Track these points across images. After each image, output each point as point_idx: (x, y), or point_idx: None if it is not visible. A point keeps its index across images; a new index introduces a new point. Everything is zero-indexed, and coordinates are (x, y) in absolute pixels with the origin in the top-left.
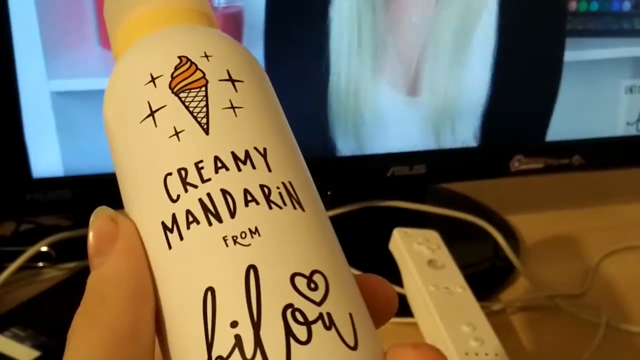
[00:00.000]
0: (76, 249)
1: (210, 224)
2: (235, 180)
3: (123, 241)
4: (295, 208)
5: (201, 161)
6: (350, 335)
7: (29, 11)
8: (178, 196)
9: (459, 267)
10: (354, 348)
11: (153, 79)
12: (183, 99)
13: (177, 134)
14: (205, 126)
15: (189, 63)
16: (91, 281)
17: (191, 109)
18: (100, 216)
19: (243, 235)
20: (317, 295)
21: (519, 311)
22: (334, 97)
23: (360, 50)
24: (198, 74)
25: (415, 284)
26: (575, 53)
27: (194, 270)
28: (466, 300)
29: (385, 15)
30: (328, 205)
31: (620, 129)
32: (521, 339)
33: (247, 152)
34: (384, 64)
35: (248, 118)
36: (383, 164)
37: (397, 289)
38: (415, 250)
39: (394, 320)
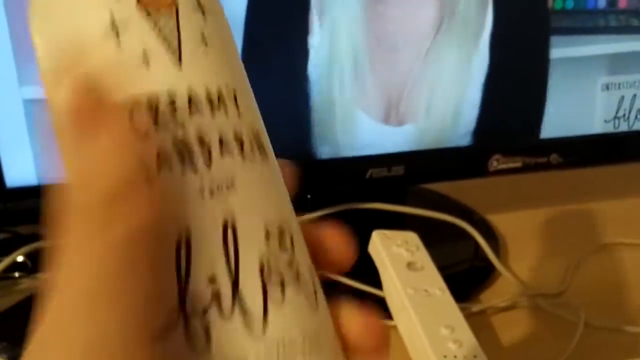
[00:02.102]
0: None
1: (184, 173)
2: (210, 126)
3: None
4: (263, 159)
5: (174, 100)
6: (313, 296)
7: None
8: (145, 133)
9: (439, 267)
10: (316, 308)
11: None
12: (153, 18)
13: (146, 61)
14: (177, 56)
15: None
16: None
17: (162, 33)
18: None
19: (219, 188)
20: (287, 255)
21: (499, 311)
22: (313, 100)
23: (342, 78)
24: None
25: (395, 287)
26: (552, 51)
27: (170, 216)
28: (445, 303)
29: (374, 46)
30: (307, 209)
31: (597, 126)
32: (501, 340)
33: (219, 92)
34: (365, 96)
35: (217, 54)
36: (361, 166)
37: (377, 291)
38: (394, 253)
39: None
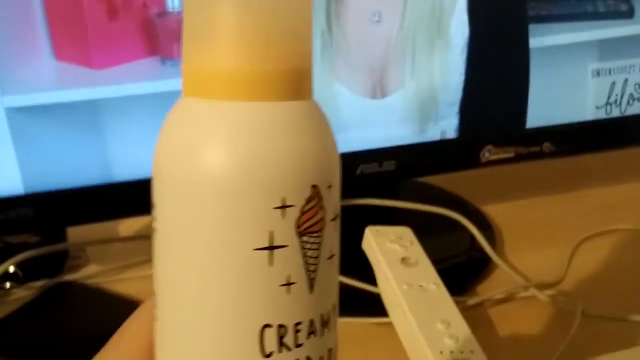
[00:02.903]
0: (44, 267)
1: None
2: (317, 348)
3: None
4: None
5: (300, 323)
6: None
7: None
8: (271, 353)
9: (434, 261)
10: None
11: (284, 207)
12: (304, 244)
13: (289, 285)
14: (312, 282)
15: (317, 198)
16: None
17: (306, 260)
18: None
19: None
20: None
21: (496, 304)
22: None
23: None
24: (320, 215)
25: (389, 284)
26: (541, 39)
27: None
28: (440, 297)
29: (342, 18)
30: None
31: (589, 113)
32: (498, 332)
33: (329, 312)
34: (343, 70)
35: (336, 266)
36: (351, 162)
37: (372, 288)
38: (388, 249)
39: (369, 320)
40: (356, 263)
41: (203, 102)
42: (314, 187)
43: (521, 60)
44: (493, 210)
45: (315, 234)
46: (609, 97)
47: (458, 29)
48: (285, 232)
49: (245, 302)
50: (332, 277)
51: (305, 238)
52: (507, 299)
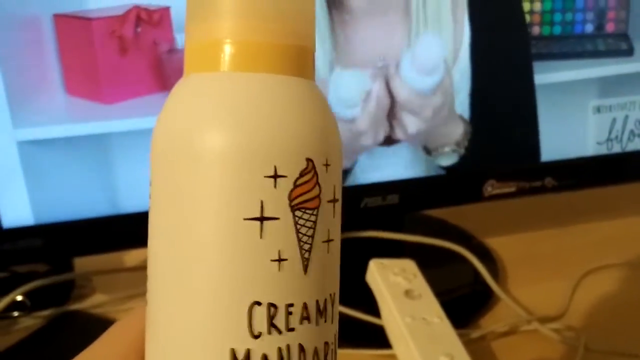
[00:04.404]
0: (51, 296)
1: None
2: (311, 337)
3: None
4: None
5: (292, 305)
6: None
7: None
8: (260, 334)
9: (437, 294)
10: None
11: (276, 176)
12: (297, 219)
13: (280, 260)
14: (306, 263)
15: (312, 172)
16: None
17: (300, 237)
18: None
19: None
20: None
21: (499, 336)
22: None
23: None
24: (315, 191)
25: (393, 316)
26: (542, 76)
27: None
28: (444, 330)
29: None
30: None
31: (590, 148)
32: None
33: (325, 300)
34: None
35: (335, 254)
36: (355, 196)
37: (376, 320)
38: (391, 281)
39: (373, 352)
40: (360, 295)
41: (200, 75)
42: (309, 160)
43: (525, 95)
44: (496, 243)
45: (309, 211)
46: (610, 133)
47: (463, 77)
48: (277, 203)
49: (235, 274)
50: (330, 263)
51: (298, 213)
52: (510, 332)
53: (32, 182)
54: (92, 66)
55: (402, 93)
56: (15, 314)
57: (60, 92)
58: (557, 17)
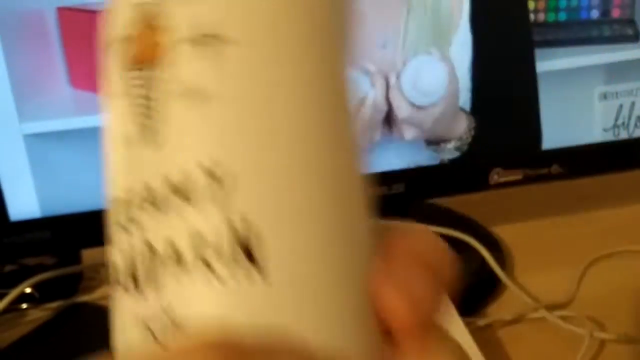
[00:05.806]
0: (59, 288)
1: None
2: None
3: None
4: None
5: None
6: None
7: None
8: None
9: None
10: None
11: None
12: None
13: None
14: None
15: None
16: None
17: (139, 103)
18: None
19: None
20: None
21: (506, 324)
22: None
23: None
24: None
25: None
26: (548, 63)
27: None
28: (450, 318)
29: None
30: None
31: (597, 135)
32: (507, 353)
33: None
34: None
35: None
36: None
37: None
38: None
39: None
40: None
41: None
42: None
43: (528, 81)
44: (503, 231)
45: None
46: (616, 120)
47: (463, 49)
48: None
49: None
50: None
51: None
52: (517, 320)
53: (39, 175)
54: (97, 59)
55: (401, 107)
56: (24, 306)
57: (65, 86)
58: (562, 3)
